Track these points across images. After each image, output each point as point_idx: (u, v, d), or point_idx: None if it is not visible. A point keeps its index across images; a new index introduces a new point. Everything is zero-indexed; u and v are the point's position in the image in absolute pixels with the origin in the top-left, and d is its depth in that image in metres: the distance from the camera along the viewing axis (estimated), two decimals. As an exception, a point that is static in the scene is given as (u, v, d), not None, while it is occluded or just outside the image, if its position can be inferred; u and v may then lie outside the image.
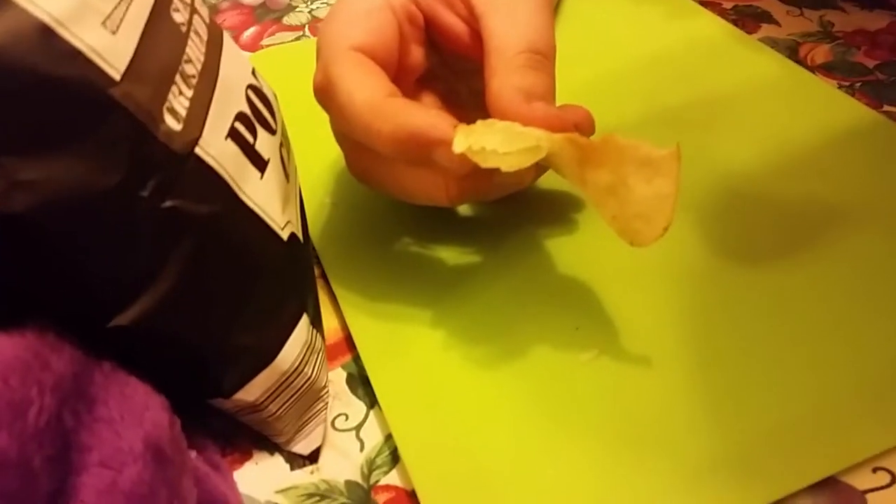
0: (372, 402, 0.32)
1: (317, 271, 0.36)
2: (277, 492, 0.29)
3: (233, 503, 0.27)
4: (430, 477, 0.28)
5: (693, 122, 0.43)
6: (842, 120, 0.42)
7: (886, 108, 0.44)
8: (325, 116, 0.34)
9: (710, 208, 0.37)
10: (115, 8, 0.23)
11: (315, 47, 0.34)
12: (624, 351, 0.32)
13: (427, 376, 0.32)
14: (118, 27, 0.23)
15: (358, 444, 0.30)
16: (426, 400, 0.31)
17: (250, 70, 0.32)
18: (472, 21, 0.33)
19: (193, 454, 0.27)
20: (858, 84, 0.46)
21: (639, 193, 0.27)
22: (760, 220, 0.37)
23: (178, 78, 0.26)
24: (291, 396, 0.29)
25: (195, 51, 0.27)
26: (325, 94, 0.32)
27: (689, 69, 0.46)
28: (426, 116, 0.29)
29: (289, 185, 0.32)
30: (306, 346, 0.30)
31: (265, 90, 0.32)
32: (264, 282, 0.28)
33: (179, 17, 0.27)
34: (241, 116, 0.29)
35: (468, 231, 0.38)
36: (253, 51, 0.53)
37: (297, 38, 0.55)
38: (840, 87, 0.45)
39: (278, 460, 0.30)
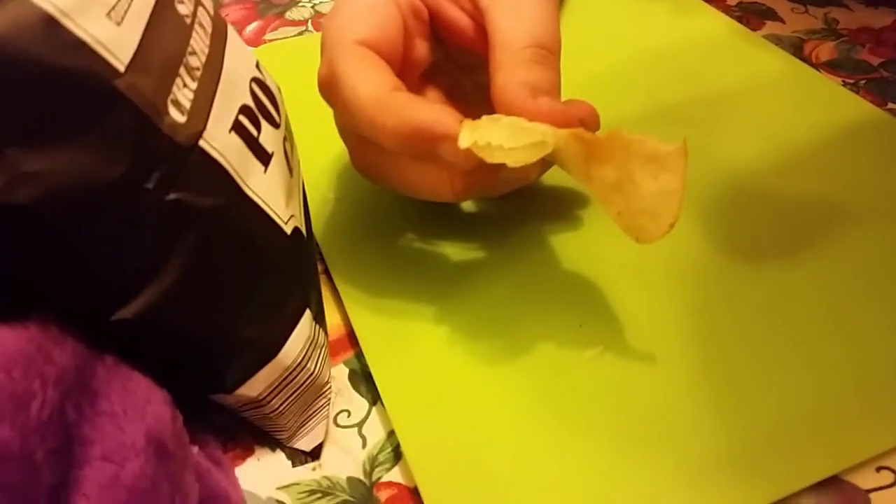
0: (374, 398, 0.31)
1: (319, 267, 0.36)
2: (279, 488, 0.29)
3: (234, 499, 0.27)
4: (433, 474, 0.28)
5: (697, 118, 0.43)
6: (846, 117, 0.42)
7: (891, 105, 0.44)
8: (327, 112, 0.34)
9: (713, 205, 0.37)
10: (120, -1, 0.23)
11: (318, 42, 0.34)
12: (627, 348, 0.32)
13: (430, 373, 0.31)
14: (123, 18, 0.23)
15: (360, 441, 0.30)
16: (429, 396, 0.31)
17: (254, 63, 0.31)
18: (477, 15, 0.33)
19: (195, 450, 0.27)
20: (863, 81, 0.46)
21: (645, 189, 0.27)
22: (764, 217, 0.37)
23: (182, 70, 0.25)
24: (294, 392, 0.29)
25: (199, 43, 0.27)
26: (330, 88, 0.32)
27: (693, 66, 0.46)
28: (431, 111, 0.29)
29: (292, 179, 0.32)
30: (309, 341, 0.30)
31: (269, 83, 0.32)
32: (268, 275, 0.28)
33: (184, 8, 0.27)
34: (245, 109, 0.29)
35: (472, 227, 0.37)
36: (256, 46, 0.53)
37: (300, 34, 0.55)
38: (844, 84, 0.45)
39: (280, 456, 0.30)
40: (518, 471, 0.28)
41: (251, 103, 0.29)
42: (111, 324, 0.24)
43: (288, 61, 0.46)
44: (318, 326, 0.31)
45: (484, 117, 0.29)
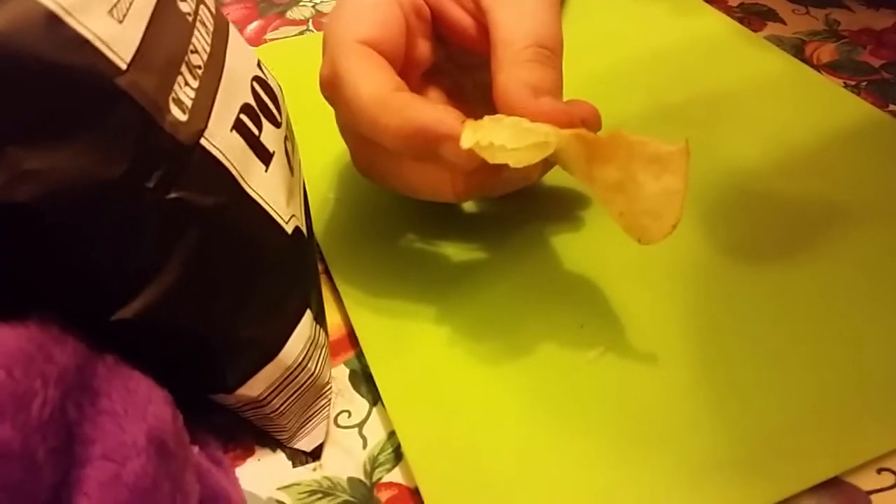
0: (375, 398, 0.31)
1: (320, 267, 0.36)
2: (280, 488, 0.29)
3: (235, 499, 0.27)
4: (433, 474, 0.28)
5: (698, 119, 0.43)
6: (847, 119, 0.42)
7: (892, 107, 0.44)
8: (328, 112, 0.34)
9: (714, 206, 0.37)
10: (122, -4, 0.23)
11: (319, 42, 0.33)
12: (629, 348, 0.31)
13: (430, 373, 0.31)
14: (125, 16, 0.23)
15: (361, 441, 0.30)
16: (429, 397, 0.31)
17: (256, 62, 0.31)
18: (479, 15, 0.33)
19: (195, 450, 0.27)
20: (864, 83, 0.46)
21: (647, 190, 0.27)
22: (765, 218, 0.37)
23: (184, 68, 0.25)
24: (294, 392, 0.29)
25: (201, 41, 0.27)
26: (332, 87, 0.32)
27: (694, 66, 0.46)
28: (433, 111, 0.29)
29: (293, 178, 0.32)
30: (310, 341, 0.30)
31: (270, 82, 0.32)
32: (269, 275, 0.28)
33: (186, 6, 0.27)
34: (246, 108, 0.29)
35: (473, 227, 0.37)
36: (256, 45, 0.53)
37: (301, 33, 0.55)
38: (846, 86, 0.45)
39: (280, 457, 0.30)
40: (519, 471, 0.28)
41: (252, 102, 0.29)
42: (111, 323, 0.24)
43: (289, 61, 0.46)
44: (318, 326, 0.31)
45: (486, 117, 0.29)
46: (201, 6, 0.28)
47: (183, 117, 0.25)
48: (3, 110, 0.21)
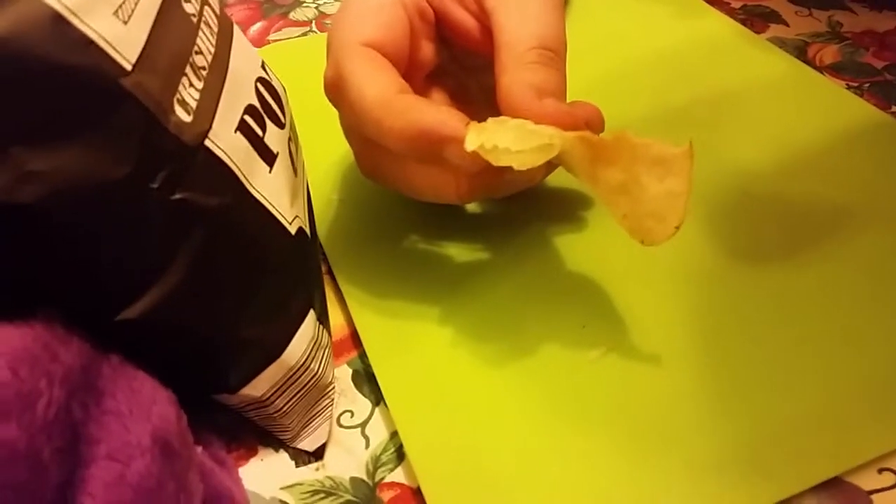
0: (377, 399, 0.31)
1: (323, 268, 0.36)
2: (283, 488, 0.29)
3: (238, 499, 0.27)
4: (436, 474, 0.28)
5: (700, 121, 0.43)
6: (850, 121, 0.42)
7: (894, 108, 0.44)
8: (332, 113, 0.34)
9: (718, 207, 0.37)
10: (127, -3, 0.23)
11: (322, 43, 0.34)
12: (631, 349, 0.32)
13: (433, 373, 0.31)
14: (130, 17, 0.23)
15: (363, 441, 0.30)
16: (432, 397, 0.31)
17: (260, 63, 0.31)
18: (483, 17, 0.33)
19: (199, 450, 0.27)
20: (867, 85, 0.46)
21: (651, 192, 0.27)
22: (768, 219, 0.37)
23: (188, 69, 0.25)
24: (297, 392, 0.29)
25: (206, 42, 0.27)
26: (336, 89, 0.32)
27: (697, 68, 0.46)
28: (437, 113, 0.29)
29: (297, 179, 0.32)
30: (313, 341, 0.30)
31: (274, 83, 0.32)
32: (272, 275, 0.28)
33: (190, 7, 0.27)
34: (250, 109, 0.29)
35: (476, 228, 0.37)
36: (260, 46, 0.53)
37: (304, 34, 0.55)
38: (848, 87, 0.45)
39: (283, 457, 0.30)
40: (521, 471, 0.28)
41: (257, 103, 0.29)
42: (116, 324, 0.24)
43: (292, 62, 0.46)
44: (321, 327, 0.31)
45: (490, 119, 0.29)
46: (206, 7, 0.28)
47: (187, 118, 0.25)
48: (7, 111, 0.21)
